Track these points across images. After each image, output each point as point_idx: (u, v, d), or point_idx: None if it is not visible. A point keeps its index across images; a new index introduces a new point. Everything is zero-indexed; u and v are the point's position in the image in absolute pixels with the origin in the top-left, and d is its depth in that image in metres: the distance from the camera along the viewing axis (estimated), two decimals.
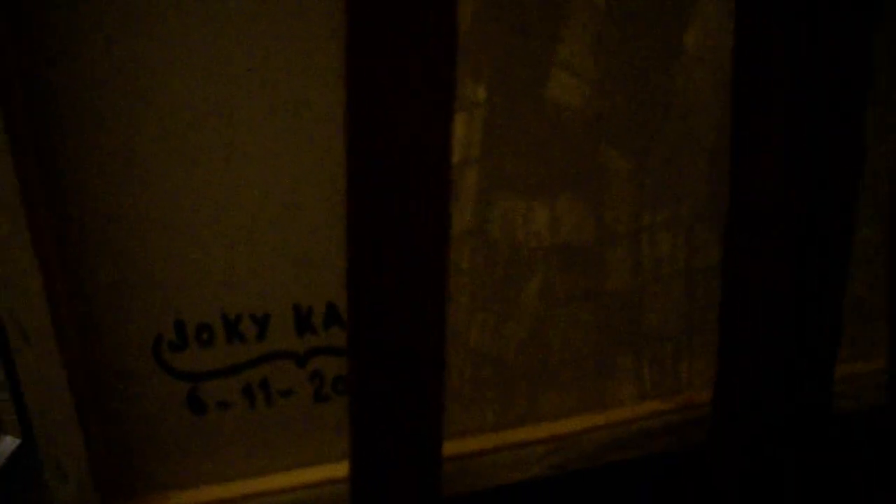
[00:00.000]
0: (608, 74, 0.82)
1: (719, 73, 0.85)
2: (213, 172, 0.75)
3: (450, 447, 0.88)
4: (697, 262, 0.93)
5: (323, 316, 0.83)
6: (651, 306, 0.93)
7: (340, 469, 0.86)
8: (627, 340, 0.94)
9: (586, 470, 0.94)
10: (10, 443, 1.00)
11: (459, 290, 0.85)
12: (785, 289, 0.83)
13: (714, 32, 0.84)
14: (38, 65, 0.68)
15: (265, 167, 0.76)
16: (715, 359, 0.92)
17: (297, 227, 0.79)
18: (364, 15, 0.61)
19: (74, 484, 0.79)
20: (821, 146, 0.74)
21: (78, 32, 0.68)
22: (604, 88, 0.82)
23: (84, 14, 0.68)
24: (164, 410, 0.82)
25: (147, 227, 0.75)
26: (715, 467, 0.86)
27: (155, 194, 0.75)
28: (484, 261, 0.85)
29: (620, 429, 0.93)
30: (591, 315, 0.91)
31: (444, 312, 0.68)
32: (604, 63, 0.81)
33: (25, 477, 0.97)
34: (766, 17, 0.71)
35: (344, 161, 0.58)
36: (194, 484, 0.85)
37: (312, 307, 0.82)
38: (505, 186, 0.83)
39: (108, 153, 0.73)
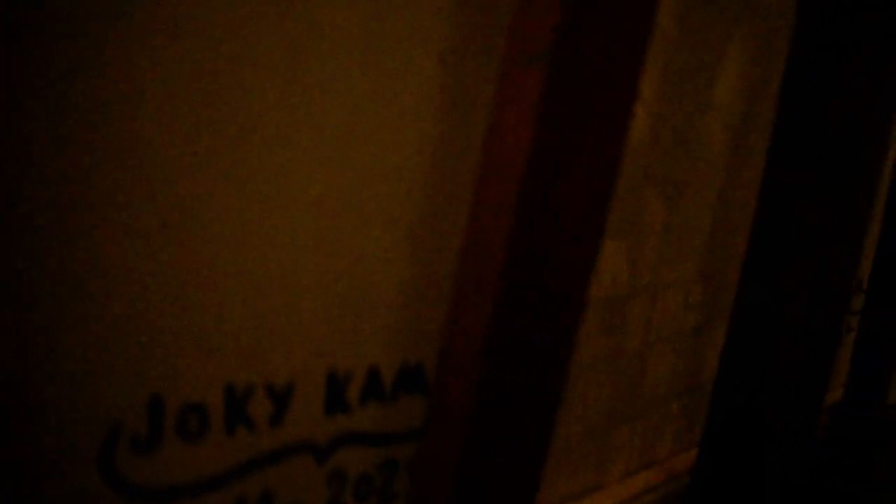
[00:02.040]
0: (666, 107, 0.68)
1: (731, 137, 0.77)
2: (231, 174, 0.44)
3: None
4: (687, 323, 0.81)
5: (362, 386, 0.53)
6: (651, 371, 0.78)
7: None
8: (628, 410, 0.77)
9: None
10: None
11: None
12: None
13: (733, 91, 0.76)
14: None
15: (307, 179, 0.47)
16: (689, 423, 0.80)
17: (341, 264, 0.50)
18: None
19: None
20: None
21: None
22: (660, 121, 0.68)
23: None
24: None
25: (115, 240, 0.40)
26: None
27: (133, 192, 0.41)
28: None
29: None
30: (608, 378, 0.73)
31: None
32: (663, 95, 0.68)
33: None
34: None
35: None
36: None
37: (352, 373, 0.52)
38: None
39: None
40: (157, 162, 0.41)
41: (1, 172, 0.36)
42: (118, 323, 0.43)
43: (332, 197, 0.48)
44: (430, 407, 0.53)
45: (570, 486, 0.72)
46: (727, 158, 0.77)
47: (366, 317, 0.52)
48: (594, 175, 0.50)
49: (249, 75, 0.43)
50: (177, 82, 0.41)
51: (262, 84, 0.44)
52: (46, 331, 0.40)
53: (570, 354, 0.52)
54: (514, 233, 0.47)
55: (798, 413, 0.76)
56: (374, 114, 0.49)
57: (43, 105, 0.37)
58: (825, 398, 0.86)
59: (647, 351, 0.76)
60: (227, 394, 0.47)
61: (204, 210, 0.44)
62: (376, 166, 0.50)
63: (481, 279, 0.48)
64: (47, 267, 0.39)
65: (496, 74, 0.49)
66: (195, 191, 0.43)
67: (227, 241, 0.45)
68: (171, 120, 0.41)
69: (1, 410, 0.39)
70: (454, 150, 0.52)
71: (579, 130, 0.48)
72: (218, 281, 0.45)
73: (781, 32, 0.76)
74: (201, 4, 0.40)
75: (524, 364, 0.50)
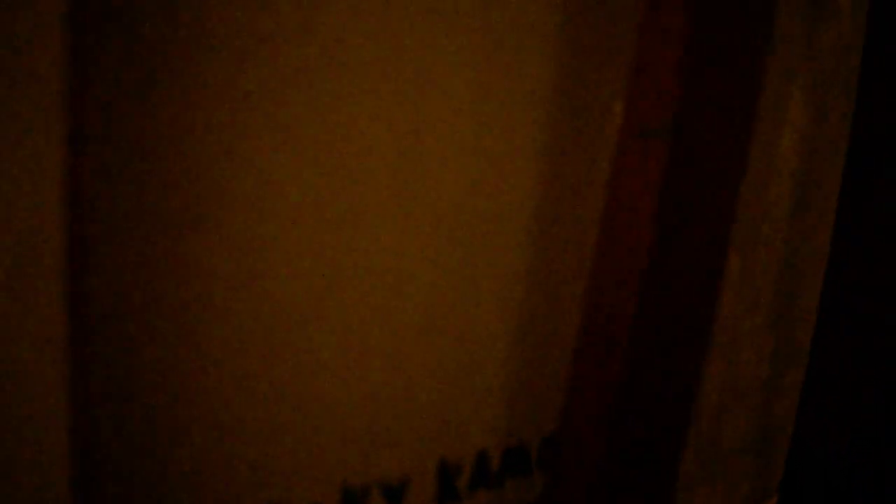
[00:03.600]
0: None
1: (797, 184, 0.75)
2: (342, 264, 0.41)
3: None
4: (761, 374, 0.78)
5: (471, 473, 0.49)
6: (727, 426, 0.75)
7: None
8: (706, 470, 0.74)
9: None
10: None
11: None
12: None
13: (798, 144, 0.74)
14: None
15: (417, 264, 0.44)
16: (765, 474, 0.77)
17: (450, 350, 0.47)
18: None
19: None
20: None
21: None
22: None
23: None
24: None
25: (223, 346, 0.37)
26: None
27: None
28: None
29: None
30: (693, 438, 0.69)
31: None
32: None
33: None
34: None
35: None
36: None
37: (461, 460, 0.48)
38: None
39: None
40: (264, 260, 0.38)
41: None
42: (233, 428, 0.39)
43: (443, 281, 0.45)
44: (546, 485, 0.50)
45: None
46: (794, 206, 0.74)
47: (474, 402, 0.49)
48: (709, 243, 0.47)
49: (367, 162, 0.40)
50: (291, 156, 0.38)
51: (376, 168, 0.41)
52: (159, 442, 0.36)
53: (687, 433, 0.49)
54: (638, 311, 0.44)
55: (877, 460, 0.73)
56: (483, 193, 0.46)
57: None
58: None
59: (725, 404, 0.73)
60: (344, 495, 0.44)
61: (312, 306, 0.41)
62: (485, 247, 0.47)
63: (603, 362, 0.45)
64: (157, 379, 0.36)
65: (612, 147, 0.46)
66: (303, 290, 0.40)
67: (339, 338, 0.42)
68: (280, 198, 0.38)
69: None
70: (566, 228, 0.49)
71: (697, 201, 0.45)
72: (330, 377, 0.42)
73: (845, 68, 0.74)
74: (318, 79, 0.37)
75: (642, 445, 0.47)
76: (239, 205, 0.38)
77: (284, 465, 0.41)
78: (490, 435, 0.50)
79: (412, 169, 0.43)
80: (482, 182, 0.46)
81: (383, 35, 0.39)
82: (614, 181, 0.45)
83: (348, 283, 0.43)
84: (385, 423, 0.45)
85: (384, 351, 0.44)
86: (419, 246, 0.45)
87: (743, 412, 0.75)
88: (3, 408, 0.32)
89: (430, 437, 0.47)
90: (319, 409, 0.42)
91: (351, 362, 0.43)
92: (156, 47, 0.33)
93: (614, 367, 0.44)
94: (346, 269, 0.43)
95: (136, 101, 0.33)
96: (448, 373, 0.47)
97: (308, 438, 0.41)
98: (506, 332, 0.49)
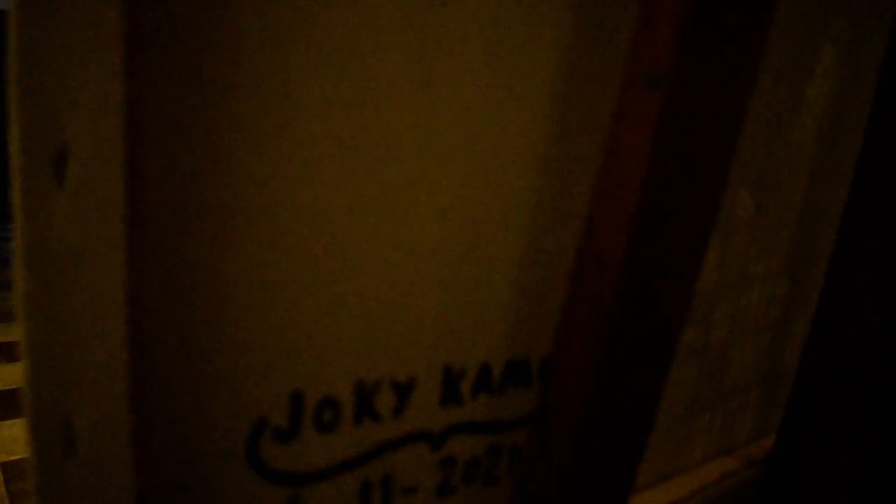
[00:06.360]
0: (761, 105, 0.67)
1: (820, 136, 0.75)
2: (353, 180, 0.44)
3: None
4: (770, 316, 0.80)
5: (473, 380, 0.54)
6: (733, 361, 0.78)
7: None
8: (709, 398, 0.77)
9: None
10: None
11: None
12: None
13: (828, 91, 0.74)
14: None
15: (434, 192, 0.47)
16: (766, 411, 0.80)
17: (459, 268, 0.51)
18: None
19: None
20: None
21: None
22: (754, 119, 0.67)
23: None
24: None
25: (256, 255, 0.42)
26: None
27: (270, 202, 0.42)
28: None
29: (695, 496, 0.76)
30: (694, 368, 0.73)
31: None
32: (759, 92, 0.66)
33: None
34: None
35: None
36: None
37: (465, 368, 0.53)
38: None
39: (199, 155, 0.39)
40: (295, 171, 0.43)
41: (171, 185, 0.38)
42: (265, 326, 0.45)
43: (455, 208, 0.49)
44: (544, 392, 0.55)
45: (655, 468, 0.73)
46: (815, 157, 0.75)
47: (479, 317, 0.54)
48: (706, 185, 0.50)
49: (386, 99, 0.44)
50: (313, 96, 0.42)
51: (398, 107, 0.45)
52: (204, 340, 0.42)
53: (674, 348, 0.53)
54: (630, 242, 0.47)
55: (883, 400, 0.75)
56: (493, 134, 0.49)
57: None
58: None
59: (731, 342, 0.76)
60: (358, 388, 0.49)
61: (338, 219, 0.46)
62: (495, 181, 0.50)
63: (598, 285, 0.49)
64: (198, 274, 0.41)
65: (613, 94, 0.49)
66: (335, 201, 0.45)
67: (361, 249, 0.47)
68: (304, 129, 0.43)
69: (164, 411, 0.42)
70: (569, 167, 0.53)
71: (694, 145, 0.48)
72: (351, 283, 0.47)
73: (876, 33, 0.73)
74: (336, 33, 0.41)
75: (635, 354, 0.51)
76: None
77: (305, 359, 0.47)
78: (493, 348, 0.55)
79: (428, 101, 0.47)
80: (496, 146, 0.49)
81: (396, 47, 0.42)
82: (613, 126, 0.48)
83: (371, 207, 0.47)
84: (397, 328, 0.50)
85: (400, 264, 0.49)
86: (435, 174, 0.49)
87: (750, 349, 0.78)
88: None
89: (437, 345, 0.52)
90: (339, 310, 0.47)
91: (370, 272, 0.48)
92: (211, 52, 0.37)
93: (605, 299, 0.48)
94: (369, 196, 0.47)
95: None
96: (457, 289, 0.52)
97: (327, 335, 0.47)
98: (511, 260, 0.53)
